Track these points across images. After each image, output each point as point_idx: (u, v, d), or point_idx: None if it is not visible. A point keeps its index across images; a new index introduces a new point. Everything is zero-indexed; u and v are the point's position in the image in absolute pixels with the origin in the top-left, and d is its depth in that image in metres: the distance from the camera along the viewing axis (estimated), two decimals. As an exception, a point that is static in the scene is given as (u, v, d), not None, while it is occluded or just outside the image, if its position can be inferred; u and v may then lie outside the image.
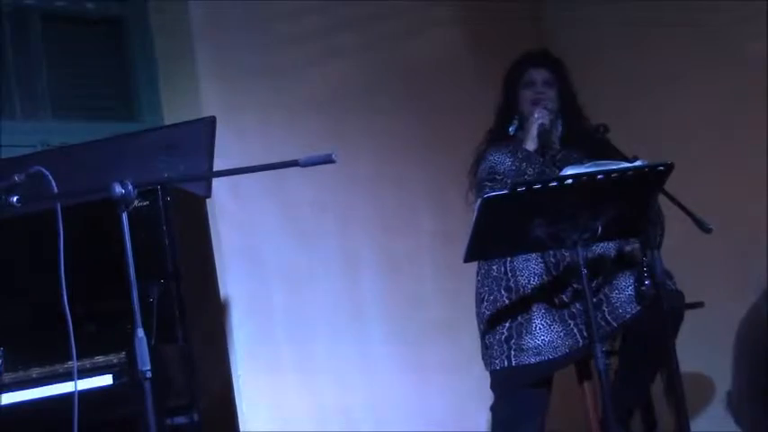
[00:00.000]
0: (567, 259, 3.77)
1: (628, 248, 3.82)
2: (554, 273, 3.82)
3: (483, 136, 4.11)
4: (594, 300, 3.66)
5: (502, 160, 3.96)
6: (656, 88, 5.19)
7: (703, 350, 4.37)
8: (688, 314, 3.81)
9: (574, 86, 4.12)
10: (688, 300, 3.84)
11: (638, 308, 3.67)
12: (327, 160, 2.88)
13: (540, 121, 3.91)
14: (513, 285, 3.86)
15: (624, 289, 3.72)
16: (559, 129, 4.03)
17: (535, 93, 4.03)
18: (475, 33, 5.45)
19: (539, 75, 4.06)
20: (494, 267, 3.92)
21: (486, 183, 3.91)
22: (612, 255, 3.83)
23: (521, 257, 3.86)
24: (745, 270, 4.78)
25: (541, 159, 3.90)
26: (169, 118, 4.48)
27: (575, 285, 3.73)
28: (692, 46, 5.08)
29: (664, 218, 3.70)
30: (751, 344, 1.22)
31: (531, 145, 3.91)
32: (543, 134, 3.90)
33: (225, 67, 4.54)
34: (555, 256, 3.82)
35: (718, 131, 4.95)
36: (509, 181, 3.74)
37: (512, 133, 4.05)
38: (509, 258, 3.88)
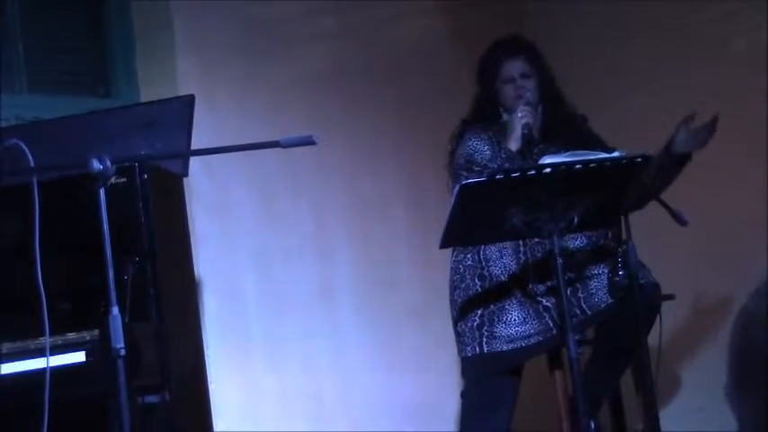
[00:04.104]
0: (539, 254, 3.78)
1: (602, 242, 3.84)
2: (524, 262, 3.82)
3: (457, 126, 4.07)
4: (570, 289, 3.67)
5: (480, 148, 3.91)
6: (642, 79, 5.20)
7: (672, 343, 4.39)
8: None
9: (551, 71, 4.05)
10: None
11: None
12: (308, 142, 2.88)
13: (524, 121, 3.81)
14: (486, 274, 3.86)
15: (602, 277, 3.73)
16: (539, 117, 4.00)
17: (516, 88, 3.95)
18: (455, 22, 5.44)
19: (515, 68, 3.98)
20: (467, 256, 3.91)
21: (462, 172, 3.86)
22: (586, 245, 3.84)
23: (494, 249, 3.84)
24: (717, 264, 4.82)
25: (523, 160, 3.86)
26: (145, 94, 4.45)
27: (549, 283, 3.74)
28: (684, 39, 5.08)
29: None
30: (747, 344, 1.25)
31: (514, 145, 3.82)
32: (528, 134, 3.86)
33: (203, 45, 4.52)
34: (525, 253, 3.82)
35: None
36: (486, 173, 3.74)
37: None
38: (482, 247, 3.87)
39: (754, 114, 4.78)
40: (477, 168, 3.84)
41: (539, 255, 3.78)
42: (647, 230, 3.70)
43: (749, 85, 4.81)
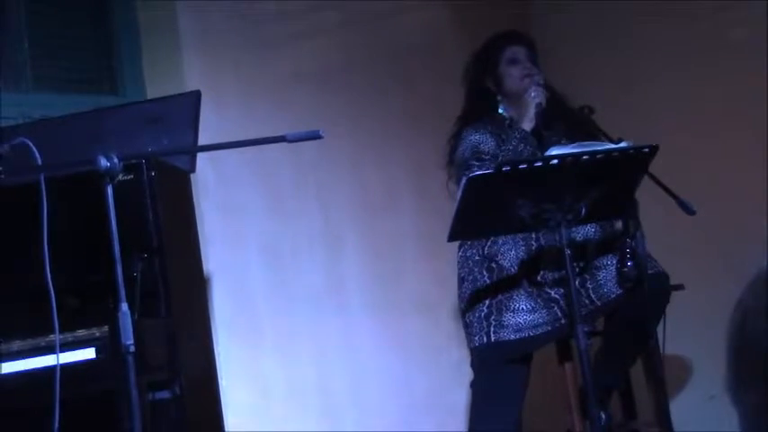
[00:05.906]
0: (551, 242, 3.77)
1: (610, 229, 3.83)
2: (537, 248, 3.81)
3: (455, 123, 4.05)
4: (578, 280, 3.67)
5: (485, 140, 3.90)
6: (643, 73, 5.19)
7: (682, 333, 4.39)
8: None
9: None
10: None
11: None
12: (315, 136, 2.88)
13: (537, 100, 3.81)
14: (494, 266, 3.85)
15: (610, 268, 3.72)
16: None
17: (524, 68, 3.96)
18: (460, 14, 5.43)
19: (520, 51, 4.01)
20: (475, 251, 3.90)
21: (474, 162, 3.83)
22: (597, 237, 3.83)
23: (502, 240, 3.84)
24: (723, 253, 4.81)
25: (536, 140, 3.85)
26: (151, 91, 4.45)
27: (556, 274, 3.73)
28: (684, 31, 5.07)
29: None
30: (745, 338, 1.26)
31: (528, 125, 3.81)
32: (540, 113, 3.85)
33: (209, 41, 4.51)
34: (538, 239, 3.81)
35: (715, 117, 4.95)
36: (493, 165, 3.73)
37: (506, 115, 3.99)
38: (490, 242, 3.86)
39: (755, 107, 4.76)
40: (486, 157, 3.83)
41: (549, 240, 3.77)
42: (650, 222, 3.69)
43: (749, 76, 4.80)
